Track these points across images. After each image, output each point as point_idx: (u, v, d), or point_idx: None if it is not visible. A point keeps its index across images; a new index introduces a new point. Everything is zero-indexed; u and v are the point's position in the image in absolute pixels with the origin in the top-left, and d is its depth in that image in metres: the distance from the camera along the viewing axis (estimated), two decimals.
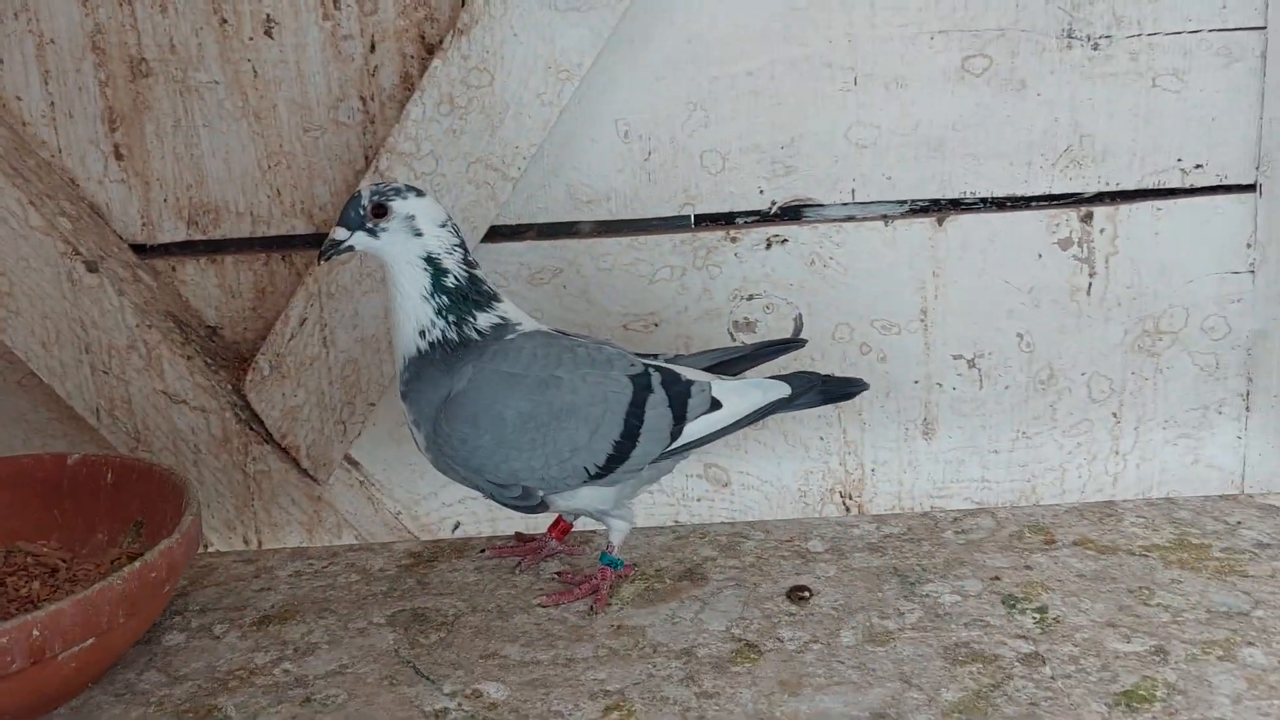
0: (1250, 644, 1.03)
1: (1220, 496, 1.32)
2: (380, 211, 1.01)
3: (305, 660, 1.12)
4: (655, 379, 1.08)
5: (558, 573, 1.24)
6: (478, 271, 1.09)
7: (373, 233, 1.02)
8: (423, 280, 1.04)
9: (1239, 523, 1.25)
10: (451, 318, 1.05)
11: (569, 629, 1.16)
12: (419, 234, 1.03)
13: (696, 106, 1.36)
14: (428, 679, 1.08)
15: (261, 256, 1.41)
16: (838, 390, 1.17)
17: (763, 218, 1.42)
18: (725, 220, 1.41)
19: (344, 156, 1.37)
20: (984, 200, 1.41)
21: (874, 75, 1.36)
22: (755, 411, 1.12)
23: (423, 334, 1.04)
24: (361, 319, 1.36)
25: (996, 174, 1.39)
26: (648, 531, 1.36)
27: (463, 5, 1.29)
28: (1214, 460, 1.44)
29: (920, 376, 1.44)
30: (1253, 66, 1.36)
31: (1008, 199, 1.41)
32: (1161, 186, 1.40)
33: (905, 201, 1.42)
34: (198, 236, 1.40)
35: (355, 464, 1.44)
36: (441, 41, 1.33)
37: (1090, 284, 1.42)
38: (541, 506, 1.08)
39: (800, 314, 1.42)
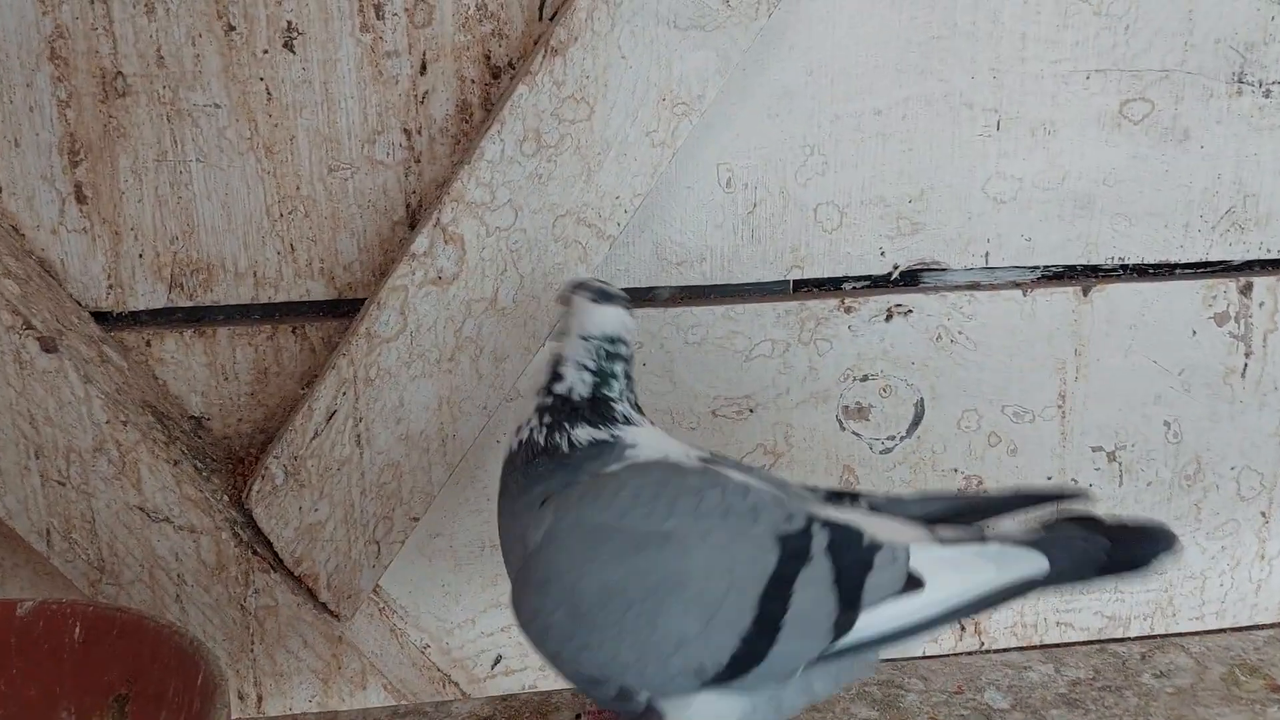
0: None
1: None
2: (564, 300, 0.82)
3: None
4: (818, 541, 0.70)
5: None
6: (614, 400, 0.77)
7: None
8: (545, 378, 0.80)
9: None
10: (547, 419, 0.77)
11: None
12: (565, 333, 0.80)
13: (814, 150, 1.04)
14: None
15: (265, 329, 1.02)
16: (1127, 553, 0.72)
17: (875, 283, 1.10)
18: (833, 286, 1.09)
19: (379, 204, 1.00)
20: (1127, 267, 1.13)
21: (1019, 118, 1.07)
22: (987, 598, 0.71)
23: (518, 429, 0.79)
24: (408, 411, 0.98)
25: (1149, 237, 1.12)
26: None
27: (553, 18, 0.94)
28: None
29: (1054, 471, 1.14)
30: None
31: (1159, 266, 1.13)
32: None
33: (1038, 268, 1.12)
34: (182, 302, 1.00)
35: (375, 589, 1.05)
36: (514, 63, 0.98)
37: (1246, 365, 1.14)
38: (650, 714, 0.70)
39: (921, 399, 1.10)
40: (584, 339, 0.80)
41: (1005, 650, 1.08)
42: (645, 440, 0.75)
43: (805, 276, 1.10)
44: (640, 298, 1.08)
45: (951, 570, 0.71)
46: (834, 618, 0.69)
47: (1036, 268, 1.12)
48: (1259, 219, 1.12)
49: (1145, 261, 1.12)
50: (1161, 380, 1.14)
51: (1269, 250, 1.13)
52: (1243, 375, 1.15)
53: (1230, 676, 0.98)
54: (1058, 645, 1.09)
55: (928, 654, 1.10)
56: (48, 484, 0.95)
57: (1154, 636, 1.09)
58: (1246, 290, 1.13)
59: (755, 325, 1.08)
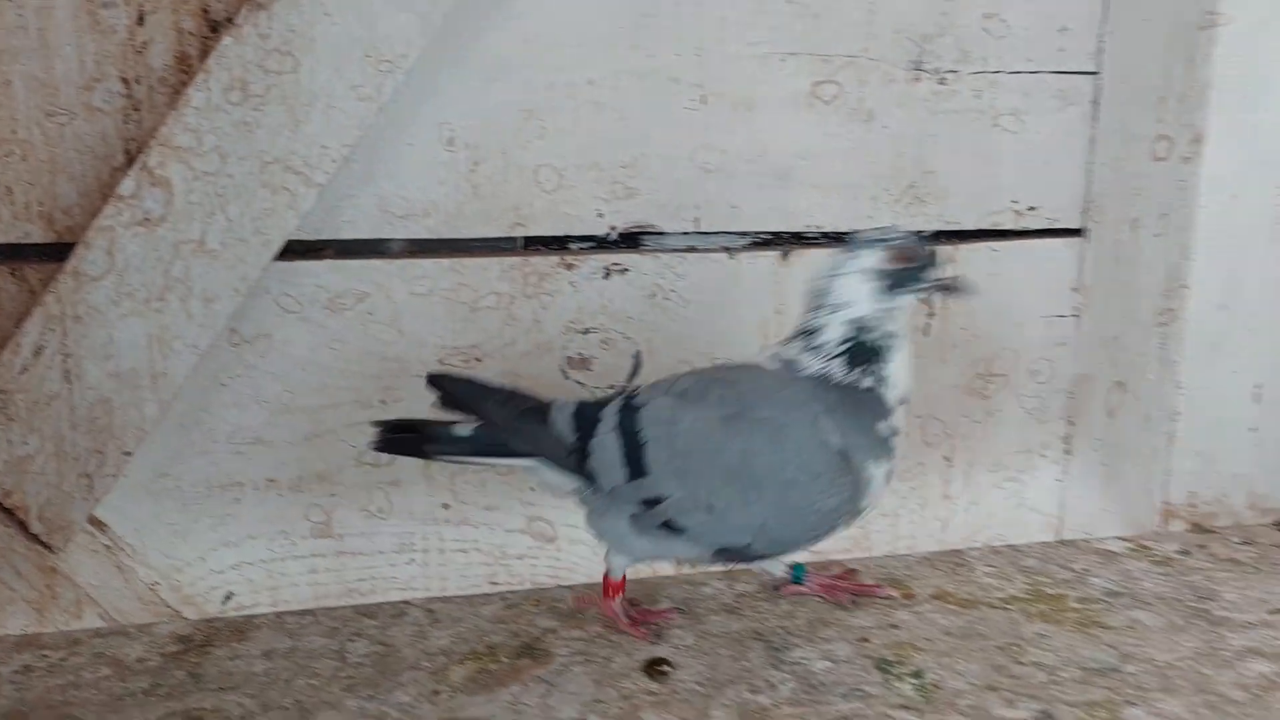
0: (1130, 703, 0.85)
1: (1060, 542, 1.16)
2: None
3: None
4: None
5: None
6: None
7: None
8: None
9: (1085, 570, 1.09)
10: None
11: None
12: None
13: (531, 115, 1.08)
14: None
15: None
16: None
17: (599, 243, 1.16)
18: (558, 244, 1.14)
19: (98, 149, 1.00)
20: (825, 235, 1.21)
21: (723, 95, 1.13)
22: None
23: None
24: (118, 348, 0.98)
25: (841, 207, 1.19)
26: (472, 600, 1.05)
27: None
28: (1036, 504, 1.29)
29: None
30: (1085, 111, 1.23)
31: (851, 233, 1.21)
32: (997, 227, 1.24)
33: (747, 233, 1.19)
34: None
35: (100, 525, 1.05)
36: (232, 18, 0.99)
37: (929, 324, 1.24)
38: None
39: (640, 351, 1.16)
40: None
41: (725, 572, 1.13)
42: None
43: (530, 234, 1.13)
44: (369, 250, 1.10)
45: None
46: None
47: (745, 233, 1.18)
48: (937, 193, 1.21)
49: (839, 229, 1.20)
50: None
51: (947, 222, 1.22)
52: (926, 334, 1.23)
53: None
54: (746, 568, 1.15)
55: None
56: None
57: (827, 560, 1.16)
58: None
59: (481, 279, 1.11)
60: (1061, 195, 1.21)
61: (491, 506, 1.12)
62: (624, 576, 0.92)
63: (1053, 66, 1.17)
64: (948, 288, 0.84)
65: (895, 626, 0.95)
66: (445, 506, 1.12)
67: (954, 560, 1.09)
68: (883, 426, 0.81)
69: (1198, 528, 1.15)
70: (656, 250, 1.14)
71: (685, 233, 1.14)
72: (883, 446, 0.81)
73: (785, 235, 1.17)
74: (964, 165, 1.18)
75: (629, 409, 0.83)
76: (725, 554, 0.83)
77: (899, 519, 1.24)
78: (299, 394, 1.06)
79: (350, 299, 1.06)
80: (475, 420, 0.84)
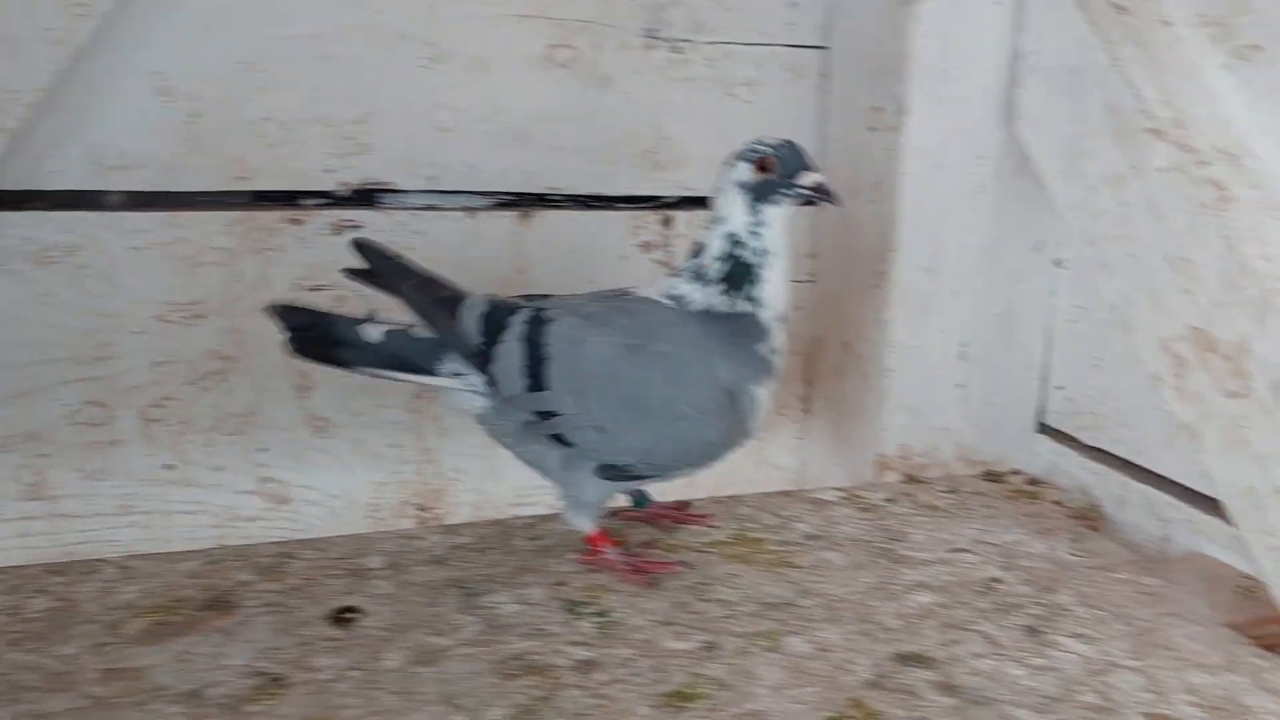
0: (794, 633, 0.89)
1: (780, 493, 1.20)
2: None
3: None
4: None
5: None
6: None
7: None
8: None
9: (793, 516, 1.14)
10: None
11: (47, 676, 0.82)
12: None
13: (253, 67, 1.06)
14: None
15: None
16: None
17: (334, 200, 1.14)
18: (289, 200, 1.12)
19: None
20: (570, 198, 1.22)
21: (456, 54, 1.13)
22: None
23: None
24: None
25: (581, 171, 1.20)
26: (172, 557, 1.03)
27: None
28: (776, 460, 1.33)
29: None
30: (815, 84, 1.26)
31: (593, 198, 1.23)
32: None
33: (491, 193, 1.20)
34: None
35: None
36: None
37: None
38: None
39: (376, 310, 1.15)
40: None
41: (447, 527, 1.12)
42: None
43: (256, 189, 1.11)
44: (79, 203, 1.06)
45: None
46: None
47: (486, 193, 1.18)
48: (676, 160, 1.22)
49: (579, 193, 1.21)
50: None
51: (687, 188, 1.24)
52: None
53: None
54: (468, 525, 1.15)
55: (350, 533, 1.14)
56: None
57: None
58: (667, 223, 1.24)
59: (202, 233, 1.08)
60: None
61: (220, 467, 1.10)
62: (600, 527, 0.93)
63: (784, 40, 1.20)
64: (811, 198, 0.82)
65: (595, 570, 0.97)
66: (168, 467, 1.09)
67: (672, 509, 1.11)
68: (763, 348, 0.83)
69: (910, 478, 1.20)
70: (393, 208, 1.13)
71: (426, 191, 1.14)
72: (765, 367, 0.84)
73: (529, 196, 1.17)
74: (700, 133, 1.20)
75: (537, 321, 0.85)
76: (608, 470, 0.86)
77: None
78: (5, 349, 1.02)
79: (60, 252, 1.02)
80: (385, 322, 0.87)
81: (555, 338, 0.83)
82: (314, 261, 1.07)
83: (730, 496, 1.14)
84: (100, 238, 1.00)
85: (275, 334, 1.01)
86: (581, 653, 0.83)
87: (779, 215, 0.81)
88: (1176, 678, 0.80)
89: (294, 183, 1.06)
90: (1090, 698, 0.78)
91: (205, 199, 1.05)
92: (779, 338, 0.85)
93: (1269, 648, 0.85)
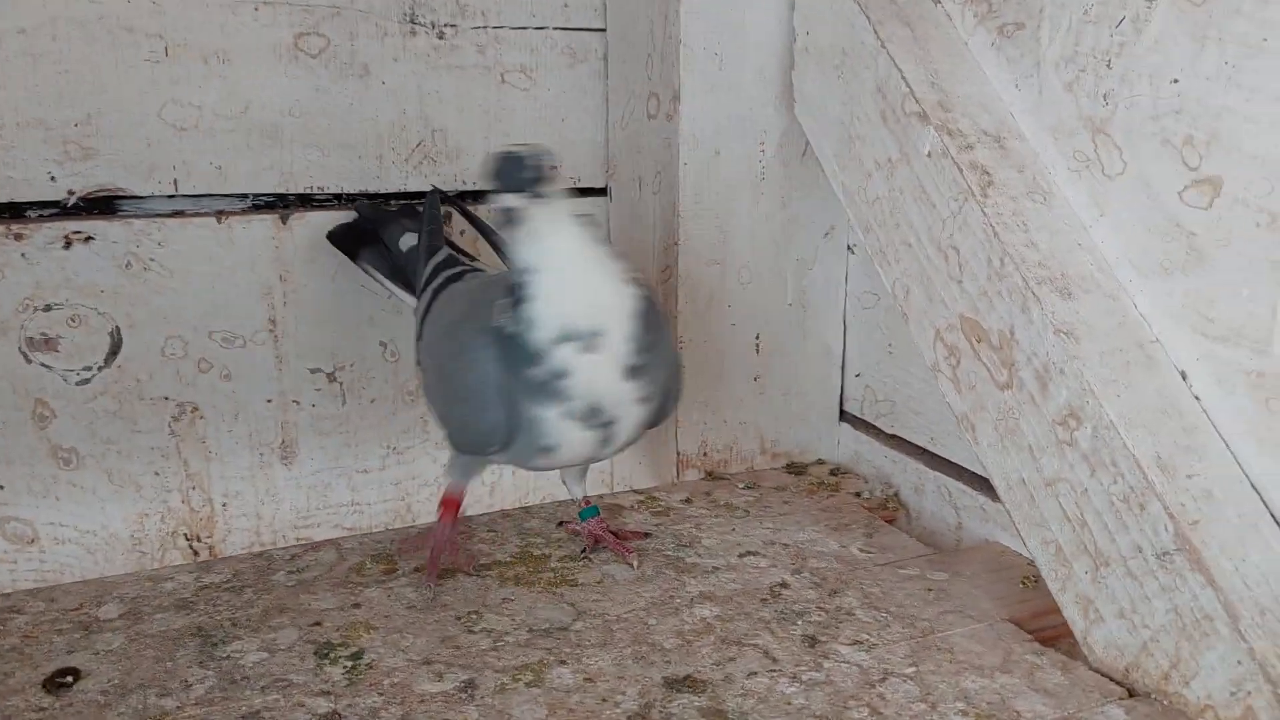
0: (562, 663, 0.84)
1: (570, 501, 1.14)
2: (553, 174, 0.75)
3: None
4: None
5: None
6: None
7: (542, 197, 0.76)
8: (586, 233, 0.80)
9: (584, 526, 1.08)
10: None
11: None
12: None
13: None
14: None
15: None
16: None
17: (63, 211, 1.03)
18: (12, 213, 1.00)
19: None
20: (337, 197, 1.13)
21: (189, 46, 1.02)
22: None
23: (631, 281, 0.80)
24: None
25: (345, 168, 1.11)
26: None
27: None
28: None
29: (274, 394, 1.13)
30: (596, 69, 1.20)
31: (361, 196, 1.14)
32: None
33: (247, 196, 1.09)
34: None
35: None
36: None
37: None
38: None
39: (118, 326, 1.04)
40: None
41: (201, 565, 1.03)
42: None
43: None
44: None
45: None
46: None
47: (242, 196, 1.08)
48: (450, 152, 1.14)
49: (345, 191, 1.11)
50: (372, 303, 1.14)
51: (462, 181, 1.16)
52: None
53: (359, 566, 0.99)
54: (222, 560, 1.06)
55: (113, 573, 1.03)
56: None
57: (323, 543, 1.08)
58: (445, 219, 1.15)
59: None
60: (582, 153, 1.17)
61: None
62: (456, 496, 0.93)
63: (559, 22, 1.13)
64: (498, 220, 0.76)
65: (357, 606, 0.89)
66: None
67: (460, 527, 1.04)
68: (538, 371, 0.74)
69: (711, 475, 1.15)
70: (133, 216, 1.01)
71: (169, 196, 1.03)
72: (544, 390, 0.76)
73: (290, 197, 1.07)
74: (475, 123, 1.12)
75: (447, 281, 0.92)
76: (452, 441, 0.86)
77: (440, 487, 1.18)
78: None
79: None
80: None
81: (436, 301, 0.90)
82: (42, 279, 0.96)
83: (521, 508, 1.08)
84: None
85: (3, 360, 0.98)
86: (324, 704, 0.75)
87: (525, 230, 0.72)
88: (950, 684, 0.77)
89: (14, 193, 0.94)
90: (861, 713, 0.74)
91: None
92: (560, 360, 0.76)
93: (1046, 641, 0.83)
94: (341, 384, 1.12)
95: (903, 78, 0.88)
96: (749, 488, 1.13)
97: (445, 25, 1.07)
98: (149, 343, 1.04)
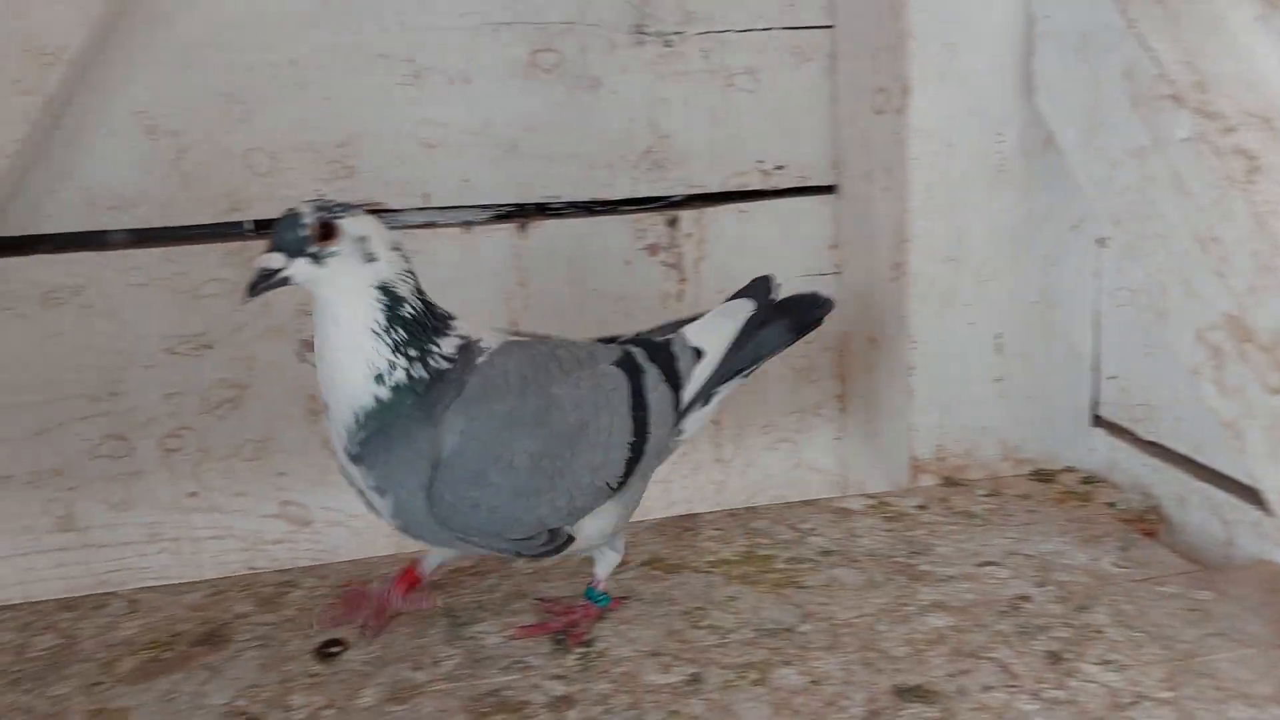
0: (787, 663, 0.83)
1: (803, 503, 1.14)
2: (328, 233, 0.71)
3: None
4: (640, 355, 0.83)
5: (540, 599, 0.91)
6: (429, 298, 0.76)
7: (317, 259, 0.71)
8: (374, 313, 0.72)
9: (811, 529, 1.07)
10: (413, 352, 0.73)
11: (36, 719, 0.84)
12: (373, 258, 0.73)
13: (233, 99, 1.06)
14: None
15: None
16: (803, 316, 0.93)
17: None
18: None
19: None
20: (570, 205, 1.19)
21: (436, 69, 1.10)
22: (736, 339, 0.87)
23: (380, 379, 0.72)
24: None
25: (578, 177, 1.17)
26: (179, 589, 1.04)
27: None
28: (815, 463, 1.27)
29: None
30: (824, 66, 1.19)
31: (593, 204, 1.20)
32: (744, 189, 1.21)
33: (488, 206, 1.17)
34: None
35: None
36: None
37: (682, 290, 1.21)
38: (569, 542, 0.82)
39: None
40: (394, 250, 0.75)
41: None
42: (475, 328, 0.78)
43: (249, 218, 1.11)
44: (78, 244, 1.08)
45: (710, 333, 0.87)
46: (673, 401, 0.84)
47: (484, 207, 1.16)
48: (677, 157, 1.18)
49: (577, 199, 1.18)
50: (604, 306, 1.19)
51: (691, 186, 1.19)
52: (679, 299, 1.21)
53: (590, 559, 1.04)
54: None
55: (375, 554, 1.13)
56: None
57: None
58: (673, 223, 1.19)
59: (201, 266, 1.10)
60: (809, 152, 1.18)
61: (241, 493, 1.11)
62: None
63: (785, 22, 1.14)
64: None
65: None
66: (191, 495, 1.11)
67: (684, 525, 1.07)
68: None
69: (949, 481, 1.13)
70: (390, 228, 1.11)
71: (420, 209, 1.12)
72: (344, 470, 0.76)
73: (527, 207, 1.15)
74: (701, 128, 1.15)
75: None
76: None
77: (671, 485, 1.22)
78: (22, 390, 1.05)
79: (66, 293, 1.05)
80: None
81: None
82: None
83: (747, 508, 1.09)
84: (102, 276, 1.01)
85: (282, 360, 1.05)
86: (559, 688, 0.80)
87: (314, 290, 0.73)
88: (1214, 712, 0.72)
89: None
90: None
91: (201, 232, 1.06)
92: (335, 439, 0.75)
93: None
94: None
95: (1153, 59, 0.82)
96: (989, 495, 1.09)
97: (672, 33, 1.09)
98: None
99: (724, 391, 0.88)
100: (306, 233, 0.71)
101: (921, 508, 1.07)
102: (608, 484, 0.80)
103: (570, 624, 0.87)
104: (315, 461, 1.10)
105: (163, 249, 1.04)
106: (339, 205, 0.73)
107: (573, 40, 1.08)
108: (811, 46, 1.13)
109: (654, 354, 0.84)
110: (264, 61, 1.02)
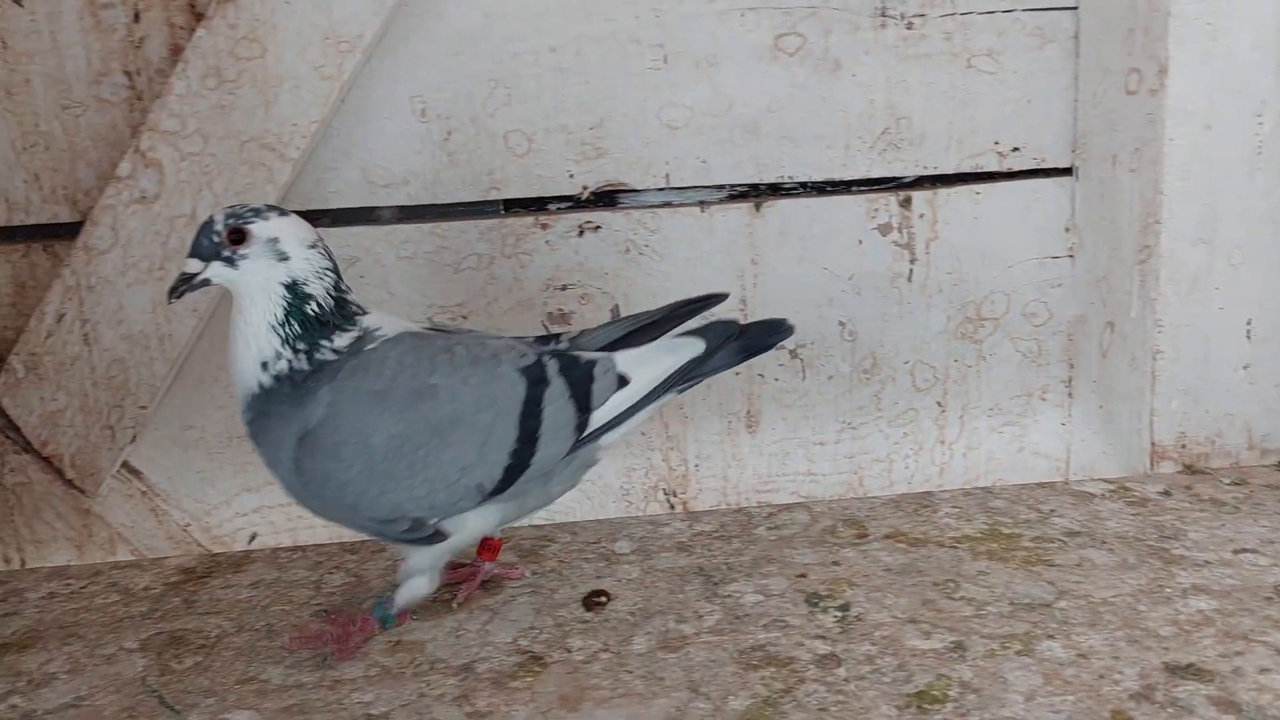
0: (1050, 636, 0.85)
1: (1038, 484, 1.15)
2: (239, 237, 0.78)
3: (38, 693, 0.86)
4: (552, 367, 0.83)
5: (325, 610, 1.00)
6: (348, 295, 0.83)
7: (230, 262, 0.79)
8: (275, 309, 0.80)
9: (1052, 511, 1.08)
10: (302, 346, 0.80)
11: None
12: (285, 258, 0.80)
13: (498, 84, 1.14)
14: (172, 709, 0.84)
15: (20, 247, 1.14)
16: (759, 341, 0.90)
17: (576, 203, 1.21)
18: (536, 206, 1.20)
19: (109, 137, 1.12)
20: (803, 185, 1.23)
21: (684, 53, 1.16)
22: (668, 379, 0.86)
23: (265, 366, 0.80)
24: (128, 314, 1.10)
25: (814, 157, 1.20)
26: None
27: None
28: (1039, 447, 1.27)
29: (742, 367, 1.24)
30: (1066, 48, 1.19)
31: (826, 183, 1.23)
32: (980, 170, 1.22)
33: (723, 186, 1.22)
34: None
35: (135, 473, 1.18)
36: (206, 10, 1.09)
37: (911, 270, 1.23)
38: (438, 536, 0.84)
39: (618, 305, 1.21)
40: (310, 248, 0.85)
41: (691, 514, 1.17)
42: (384, 321, 0.84)
43: (507, 197, 1.20)
44: (355, 219, 1.19)
45: (645, 365, 0.86)
46: (575, 421, 0.83)
47: (719, 187, 1.22)
48: (913, 139, 1.20)
49: (813, 179, 1.22)
50: (834, 285, 1.23)
51: (926, 167, 1.22)
52: (909, 280, 1.24)
53: (831, 529, 1.08)
54: (708, 512, 1.19)
55: (602, 517, 1.21)
56: None
57: (795, 504, 1.18)
58: (907, 204, 1.22)
59: (461, 241, 1.19)
60: (1047, 134, 1.18)
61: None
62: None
63: (1028, 4, 1.15)
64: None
65: (836, 564, 0.98)
66: None
67: (921, 502, 1.10)
68: None
69: (1190, 469, 1.12)
70: (630, 207, 1.18)
71: (659, 189, 1.18)
72: None
73: (761, 187, 1.19)
74: (939, 109, 1.17)
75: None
76: None
77: (892, 463, 1.25)
78: None
79: (342, 264, 1.14)
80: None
81: None
82: (560, 263, 1.13)
83: (982, 488, 1.11)
84: (375, 250, 1.10)
85: (530, 332, 1.08)
86: (823, 647, 0.84)
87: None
88: None
89: (541, 189, 1.12)
90: None
91: (462, 209, 1.13)
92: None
93: None
94: (802, 360, 1.19)
95: None
96: (1235, 484, 1.07)
97: (914, 16, 1.11)
98: None
99: (651, 409, 0.88)
100: (219, 239, 0.78)
101: (1165, 494, 1.06)
102: (481, 485, 0.80)
103: (342, 638, 0.86)
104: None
105: (429, 225, 1.12)
106: (251, 210, 0.79)
107: (816, 23, 1.11)
108: (1054, 27, 1.13)
109: (569, 369, 0.83)
110: (527, 49, 1.08)
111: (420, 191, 1.13)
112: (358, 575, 1.00)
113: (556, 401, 0.82)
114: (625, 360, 0.86)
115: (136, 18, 1.05)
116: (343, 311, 0.82)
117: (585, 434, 0.84)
